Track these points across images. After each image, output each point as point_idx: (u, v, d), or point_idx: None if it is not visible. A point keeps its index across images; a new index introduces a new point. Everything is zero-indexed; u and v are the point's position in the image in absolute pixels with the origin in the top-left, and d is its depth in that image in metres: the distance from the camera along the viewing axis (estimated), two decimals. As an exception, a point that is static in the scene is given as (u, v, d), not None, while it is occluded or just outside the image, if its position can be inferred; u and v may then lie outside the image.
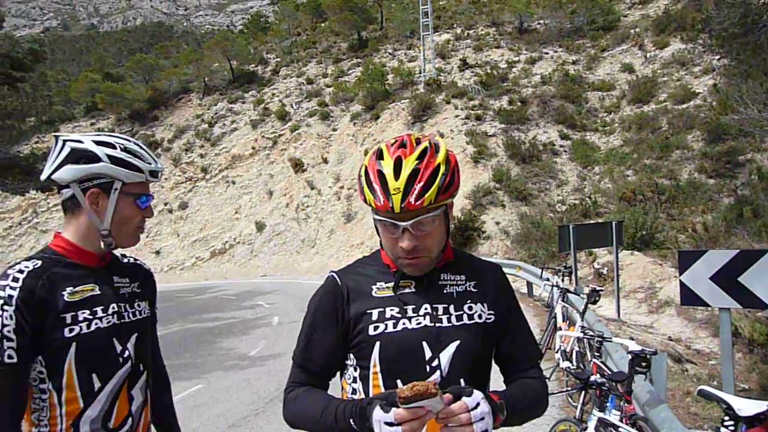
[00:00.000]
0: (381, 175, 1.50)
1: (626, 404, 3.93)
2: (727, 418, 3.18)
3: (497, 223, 22.47)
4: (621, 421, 3.79)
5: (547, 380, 1.87)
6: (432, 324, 1.55)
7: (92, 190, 1.72)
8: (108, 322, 1.73)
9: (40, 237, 35.96)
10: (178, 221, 36.22)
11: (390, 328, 1.54)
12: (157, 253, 34.33)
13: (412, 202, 1.45)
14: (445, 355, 1.53)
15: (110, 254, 1.86)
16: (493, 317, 1.61)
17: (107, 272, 1.82)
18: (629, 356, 3.94)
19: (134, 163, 1.76)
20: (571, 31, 39.07)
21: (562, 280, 8.47)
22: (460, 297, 1.61)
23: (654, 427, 3.61)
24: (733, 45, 12.75)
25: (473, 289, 1.63)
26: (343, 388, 1.66)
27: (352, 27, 46.31)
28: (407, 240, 1.50)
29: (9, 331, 1.54)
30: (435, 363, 1.52)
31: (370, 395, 1.53)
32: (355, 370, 1.59)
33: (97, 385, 1.68)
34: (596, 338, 4.97)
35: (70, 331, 1.64)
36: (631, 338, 5.63)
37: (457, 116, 30.77)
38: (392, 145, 1.57)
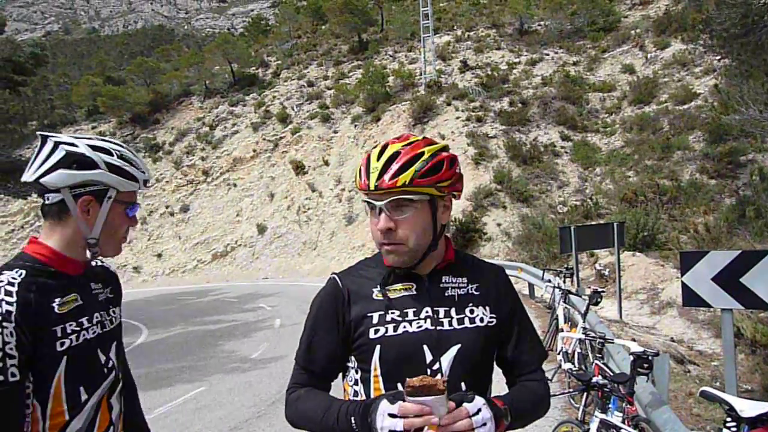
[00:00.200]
0: (368, 158, 1.55)
1: (628, 406, 3.93)
2: (729, 419, 3.17)
3: (498, 225, 22.46)
4: (623, 422, 3.79)
5: (549, 382, 1.87)
6: (433, 327, 1.54)
7: (85, 197, 1.64)
8: (94, 333, 1.69)
9: (42, 240, 35.93)
10: (180, 224, 36.24)
11: (390, 332, 1.53)
12: (159, 256, 34.34)
13: (386, 181, 1.48)
14: (446, 359, 1.53)
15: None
16: (495, 320, 1.61)
17: (85, 280, 1.74)
18: (631, 357, 3.94)
19: (130, 172, 1.70)
20: (571, 33, 39.09)
21: (564, 282, 8.45)
22: (461, 300, 1.60)
23: (656, 428, 3.60)
24: (734, 45, 12.74)
25: (475, 292, 1.62)
26: (345, 389, 1.67)
27: (352, 29, 46.37)
28: (382, 221, 1.52)
29: (11, 348, 1.46)
30: (436, 366, 1.52)
31: (372, 397, 1.53)
32: (357, 372, 1.59)
33: (84, 397, 1.63)
34: (598, 340, 4.97)
35: (62, 344, 1.58)
36: (633, 339, 5.63)
37: (457, 118, 30.78)
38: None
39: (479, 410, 1.37)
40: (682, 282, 4.41)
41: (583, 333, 5.92)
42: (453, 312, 1.58)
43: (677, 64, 29.14)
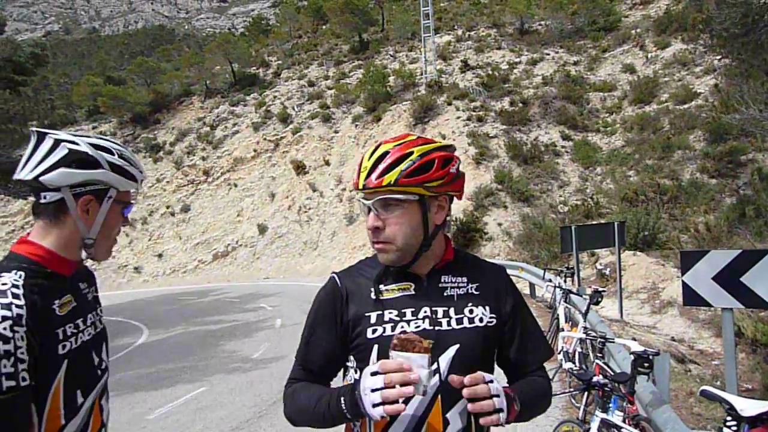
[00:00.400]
0: (362, 158, 1.57)
1: (629, 405, 3.93)
2: (729, 418, 3.17)
3: (499, 225, 22.47)
4: (624, 421, 3.80)
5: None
6: (431, 327, 1.54)
7: (86, 196, 1.59)
8: (89, 334, 1.66)
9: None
10: (181, 224, 36.27)
11: (388, 332, 1.53)
12: (160, 256, 34.37)
13: (373, 180, 1.50)
14: (445, 359, 1.52)
15: None
16: (495, 320, 1.59)
17: (75, 280, 1.69)
18: (632, 357, 3.94)
19: (131, 172, 1.67)
20: (572, 32, 39.11)
21: (565, 281, 8.45)
22: (460, 299, 1.59)
23: (657, 427, 3.60)
24: (734, 45, 12.74)
25: (475, 292, 1.61)
26: (345, 389, 1.66)
27: (353, 29, 46.40)
28: (370, 219, 1.54)
29: (23, 353, 1.41)
30: (434, 366, 1.50)
31: None
32: (356, 372, 1.58)
33: (80, 400, 1.60)
34: (599, 339, 4.97)
35: (63, 347, 1.54)
36: (634, 339, 5.62)
37: (458, 118, 30.79)
38: None
39: (492, 380, 1.42)
40: (682, 281, 4.41)
41: (583, 332, 5.92)
42: (452, 312, 1.57)
43: (678, 63, 29.15)
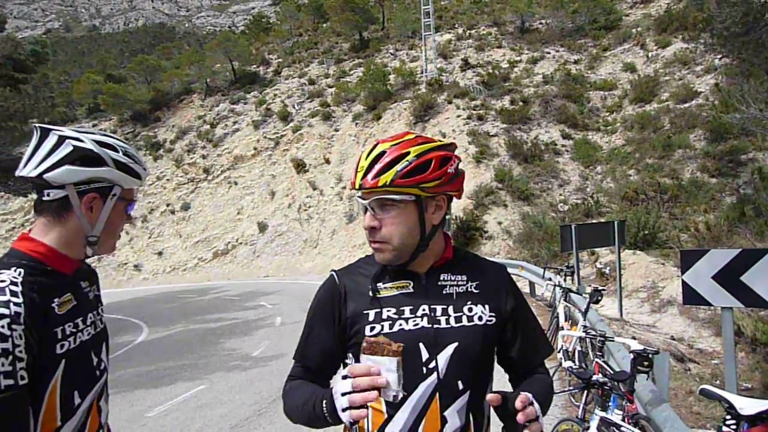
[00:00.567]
0: (360, 157, 1.57)
1: (628, 404, 3.93)
2: (729, 417, 3.18)
3: (499, 223, 22.46)
4: (623, 420, 3.80)
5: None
6: (429, 325, 1.53)
7: (90, 194, 1.58)
8: (89, 334, 1.63)
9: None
10: (181, 222, 36.27)
11: (386, 330, 1.53)
12: (160, 254, 34.37)
13: (369, 180, 1.51)
14: (443, 357, 1.51)
15: None
16: (495, 319, 1.59)
17: (76, 279, 1.66)
18: (631, 356, 3.94)
19: (135, 169, 1.66)
20: (572, 31, 39.06)
21: (565, 280, 8.46)
22: (459, 298, 1.59)
23: (656, 426, 3.60)
24: (735, 44, 12.74)
25: (474, 290, 1.61)
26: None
27: (353, 27, 46.35)
28: (366, 219, 1.55)
29: (20, 351, 1.39)
30: (432, 365, 1.51)
31: None
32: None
33: (77, 401, 1.57)
34: (598, 338, 4.98)
35: (61, 347, 1.51)
36: (634, 338, 5.64)
37: (459, 116, 30.76)
38: None
39: (532, 402, 1.43)
40: (682, 280, 4.41)
41: (583, 331, 5.92)
42: (451, 310, 1.56)
43: (678, 62, 29.10)
